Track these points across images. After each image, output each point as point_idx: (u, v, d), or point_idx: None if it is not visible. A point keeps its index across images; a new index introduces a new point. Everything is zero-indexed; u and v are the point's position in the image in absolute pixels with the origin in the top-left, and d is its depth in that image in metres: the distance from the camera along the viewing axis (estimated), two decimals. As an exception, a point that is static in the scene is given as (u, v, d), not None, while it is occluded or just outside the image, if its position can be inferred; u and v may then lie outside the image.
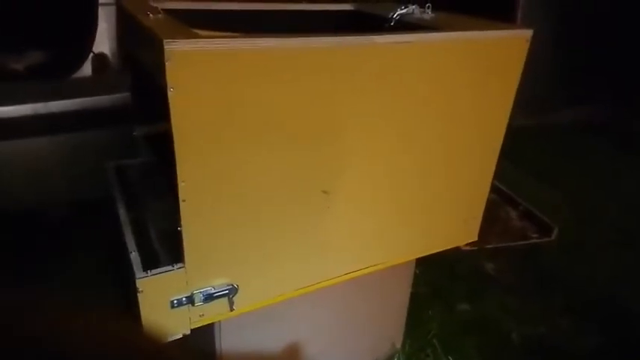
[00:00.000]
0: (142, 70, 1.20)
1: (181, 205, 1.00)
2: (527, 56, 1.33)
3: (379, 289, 1.65)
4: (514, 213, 2.81)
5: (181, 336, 1.13)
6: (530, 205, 2.83)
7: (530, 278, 2.40)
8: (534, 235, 2.64)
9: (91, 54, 2.31)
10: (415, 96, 1.21)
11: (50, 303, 0.48)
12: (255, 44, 0.95)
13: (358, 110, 1.14)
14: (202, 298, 1.11)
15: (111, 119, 2.08)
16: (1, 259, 1.99)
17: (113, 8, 2.27)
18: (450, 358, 1.87)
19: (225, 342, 1.38)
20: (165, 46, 0.87)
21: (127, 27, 1.29)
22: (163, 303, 1.08)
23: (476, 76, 1.28)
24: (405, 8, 1.44)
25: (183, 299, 1.10)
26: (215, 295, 1.12)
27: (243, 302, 1.18)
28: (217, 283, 1.13)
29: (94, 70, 2.35)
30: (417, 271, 1.85)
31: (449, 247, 1.54)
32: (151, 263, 1.10)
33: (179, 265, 1.07)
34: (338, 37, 1.05)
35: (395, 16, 1.44)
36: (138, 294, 1.05)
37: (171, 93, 0.90)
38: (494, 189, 1.56)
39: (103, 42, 2.36)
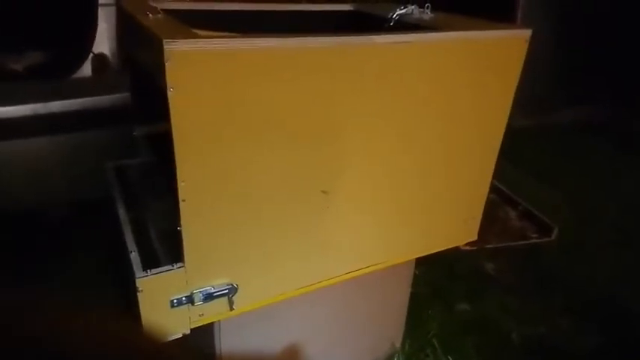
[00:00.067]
0: (141, 70, 1.21)
1: (181, 204, 1.00)
2: (527, 56, 1.33)
3: (379, 289, 1.65)
4: (513, 213, 2.81)
5: (181, 335, 1.14)
6: (529, 205, 2.83)
7: (530, 278, 2.40)
8: (534, 235, 2.64)
9: (91, 54, 2.32)
10: (415, 96, 1.21)
11: (50, 303, 0.48)
12: (255, 44, 0.96)
13: (357, 110, 1.14)
14: (202, 297, 1.11)
15: (111, 119, 2.08)
16: (1, 259, 2.00)
17: (113, 9, 2.27)
18: (449, 357, 1.87)
19: (225, 342, 1.38)
20: (165, 46, 0.87)
21: (127, 27, 1.29)
22: (163, 302, 1.08)
23: (475, 76, 1.29)
24: (404, 8, 1.44)
25: (183, 299, 1.10)
26: (215, 294, 1.13)
27: (243, 302, 1.18)
28: (217, 283, 1.13)
29: (93, 70, 2.35)
30: (417, 271, 1.85)
31: (449, 247, 1.54)
32: (150, 263, 1.10)
33: (179, 264, 1.07)
34: (337, 37, 1.05)
35: (394, 16, 1.44)
36: (138, 293, 1.05)
37: (170, 93, 0.91)
38: (493, 189, 1.56)
39: (103, 42, 2.36)
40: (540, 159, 3.50)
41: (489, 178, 1.49)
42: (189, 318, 1.13)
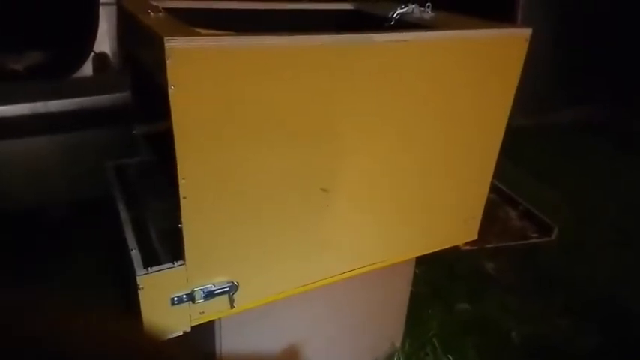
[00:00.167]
0: (142, 69, 1.21)
1: (182, 202, 1.01)
2: (527, 56, 1.33)
3: (379, 288, 1.65)
4: (514, 213, 2.80)
5: (182, 333, 1.14)
6: (529, 205, 2.83)
7: (530, 278, 2.40)
8: (534, 235, 2.64)
9: (92, 53, 2.32)
10: (414, 95, 1.22)
11: (50, 303, 0.48)
12: (255, 42, 0.96)
13: (357, 109, 1.15)
14: (203, 295, 1.11)
15: (111, 119, 2.08)
16: (1, 259, 1.99)
17: (114, 8, 2.27)
18: (449, 357, 1.87)
19: (226, 341, 1.38)
20: (166, 44, 0.87)
21: (128, 26, 1.29)
22: (164, 300, 1.08)
23: (475, 75, 1.29)
24: (404, 7, 1.45)
25: (184, 296, 1.10)
26: (215, 292, 1.13)
27: (243, 299, 1.18)
28: (218, 281, 1.13)
29: (95, 69, 2.35)
30: (417, 271, 1.85)
31: (449, 246, 1.54)
32: (151, 261, 1.10)
33: (179, 262, 1.07)
34: (337, 36, 1.05)
35: (395, 15, 1.44)
36: (138, 291, 1.05)
37: (171, 91, 0.91)
38: (493, 189, 1.56)
39: (104, 41, 2.36)
40: (540, 159, 3.50)
41: (489, 178, 1.50)
42: (190, 315, 1.13)
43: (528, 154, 3.32)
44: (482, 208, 1.54)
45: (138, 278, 1.05)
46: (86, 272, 2.05)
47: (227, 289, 1.14)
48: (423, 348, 1.90)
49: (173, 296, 1.09)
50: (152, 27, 0.98)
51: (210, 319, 1.19)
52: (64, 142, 2.16)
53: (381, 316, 1.75)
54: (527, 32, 1.30)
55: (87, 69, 2.33)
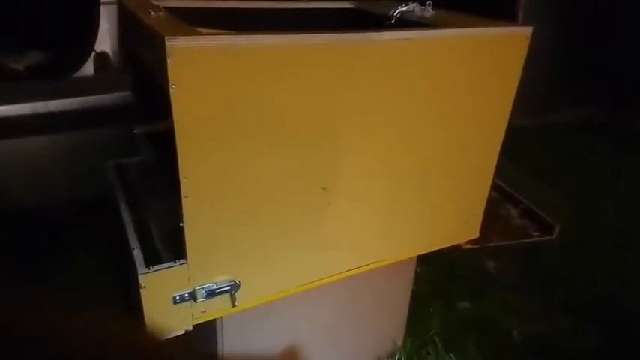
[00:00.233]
0: (142, 68, 1.21)
1: (183, 201, 1.01)
2: (528, 56, 1.33)
3: (380, 287, 1.65)
4: (515, 211, 2.80)
5: (184, 332, 1.14)
6: (530, 204, 2.83)
7: (530, 277, 2.40)
8: (535, 234, 2.64)
9: (93, 53, 2.31)
10: (415, 93, 1.22)
11: (50, 303, 0.48)
12: (256, 41, 0.96)
13: (358, 107, 1.15)
14: (204, 294, 1.11)
15: (112, 118, 2.08)
16: (1, 259, 1.99)
17: (115, 7, 2.27)
18: (450, 355, 1.87)
19: (228, 341, 1.38)
20: (167, 43, 0.88)
21: (128, 25, 1.29)
22: (166, 299, 1.08)
23: (476, 74, 1.29)
24: (405, 6, 1.45)
25: (186, 295, 1.10)
26: (217, 291, 1.13)
27: (245, 298, 1.18)
28: (219, 279, 1.13)
29: (95, 68, 2.34)
30: (418, 270, 1.85)
31: (450, 245, 1.54)
32: (153, 260, 1.10)
33: (181, 261, 1.07)
34: (337, 34, 1.06)
35: (395, 13, 1.45)
36: (140, 290, 1.05)
37: (172, 90, 0.91)
38: (494, 187, 1.56)
39: (105, 41, 2.36)
40: (540, 158, 3.50)
41: (491, 176, 1.50)
42: (192, 314, 1.13)
43: (528, 153, 3.32)
44: (484, 206, 1.54)
45: (140, 277, 1.05)
46: (86, 272, 2.04)
47: (229, 287, 1.14)
48: (425, 347, 1.90)
49: (175, 295, 1.09)
50: (153, 26, 0.99)
51: (212, 317, 1.19)
52: (64, 142, 2.16)
53: (383, 315, 1.75)
54: (528, 30, 1.30)
55: (88, 68, 2.33)
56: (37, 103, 2.04)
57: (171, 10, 1.18)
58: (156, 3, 1.23)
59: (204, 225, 1.06)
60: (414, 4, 1.45)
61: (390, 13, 1.46)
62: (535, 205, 2.82)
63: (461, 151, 1.39)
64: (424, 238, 1.48)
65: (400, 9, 1.45)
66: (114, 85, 2.17)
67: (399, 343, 1.85)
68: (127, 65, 2.04)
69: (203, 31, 1.02)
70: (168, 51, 0.88)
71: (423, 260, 1.70)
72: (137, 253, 1.13)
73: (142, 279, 1.05)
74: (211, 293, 1.12)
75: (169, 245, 1.18)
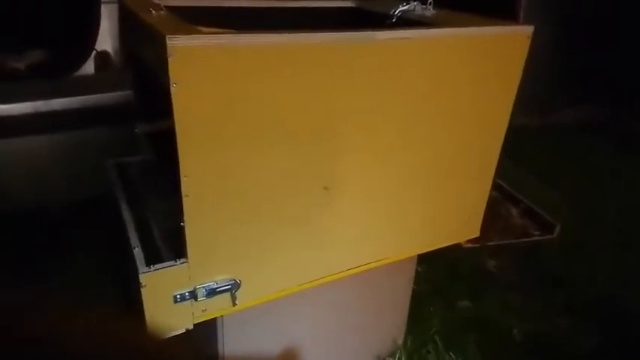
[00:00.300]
0: (143, 67, 1.21)
1: (184, 200, 1.01)
2: (528, 57, 1.33)
3: (381, 286, 1.65)
4: (515, 210, 2.81)
5: (184, 331, 1.14)
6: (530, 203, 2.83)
7: (531, 276, 2.40)
8: (536, 233, 2.64)
9: (94, 52, 2.32)
10: (416, 93, 1.22)
11: (50, 303, 0.48)
12: (257, 40, 0.96)
13: (358, 106, 1.15)
14: (205, 293, 1.11)
15: (112, 117, 2.08)
16: (1, 259, 1.99)
17: (115, 6, 2.27)
18: (451, 354, 1.87)
19: (228, 340, 1.38)
20: (168, 42, 0.88)
21: (129, 24, 1.29)
22: (166, 298, 1.08)
23: (477, 73, 1.29)
24: (406, 5, 1.45)
25: (186, 294, 1.10)
26: (218, 290, 1.13)
27: (245, 297, 1.18)
28: (220, 278, 1.13)
29: (96, 67, 2.35)
30: (419, 269, 1.85)
31: (451, 243, 1.54)
32: (153, 259, 1.10)
33: (182, 260, 1.07)
34: (338, 33, 1.06)
35: (396, 12, 1.45)
36: (141, 289, 1.05)
37: (174, 88, 0.91)
38: (495, 186, 1.56)
39: (106, 40, 2.36)
40: (540, 158, 3.50)
41: (492, 175, 1.50)
42: (193, 313, 1.13)
43: (529, 153, 3.33)
44: (485, 205, 1.54)
45: (141, 276, 1.05)
46: (86, 272, 2.04)
47: (229, 286, 1.14)
48: (425, 345, 1.90)
49: (176, 294, 1.09)
50: (154, 25, 0.99)
51: (213, 316, 1.19)
52: (65, 141, 2.16)
53: (383, 314, 1.75)
54: (529, 30, 1.30)
55: (89, 67, 2.33)
56: (38, 102, 2.05)
57: (172, 9, 1.18)
58: (157, 2, 1.23)
59: (205, 224, 1.06)
60: (415, 3, 1.46)
61: (391, 12, 1.46)
62: (535, 204, 2.82)
63: (462, 151, 1.39)
64: (425, 237, 1.48)
65: (401, 8, 1.45)
66: (115, 84, 2.18)
67: (400, 342, 1.85)
68: (127, 64, 2.04)
69: (204, 29, 1.02)
70: (169, 50, 0.88)
71: (423, 259, 1.70)
72: (138, 252, 1.13)
73: (143, 278, 1.05)
74: (212, 292, 1.12)
75: (170, 244, 1.18)
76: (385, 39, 1.11)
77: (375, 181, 1.28)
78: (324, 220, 1.23)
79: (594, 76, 3.82)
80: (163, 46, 0.88)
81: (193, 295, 1.11)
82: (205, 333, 1.37)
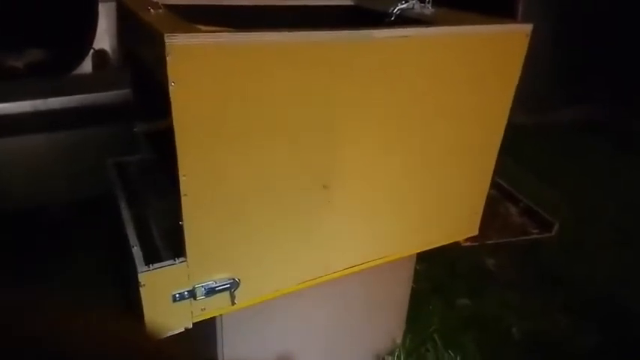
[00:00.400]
0: (142, 66, 1.21)
1: (182, 199, 1.00)
2: (527, 54, 1.33)
3: (380, 285, 1.65)
4: (514, 209, 2.80)
5: (183, 330, 1.13)
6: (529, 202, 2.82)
7: (530, 274, 2.40)
8: (535, 231, 2.63)
9: (92, 50, 2.31)
10: (414, 91, 1.22)
11: (50, 303, 0.48)
12: (255, 39, 0.96)
13: (357, 105, 1.14)
14: (204, 292, 1.11)
15: (111, 116, 2.08)
16: (1, 259, 1.99)
17: (113, 5, 2.27)
18: (450, 352, 1.87)
19: (227, 339, 1.38)
20: (166, 41, 0.87)
21: (127, 23, 1.29)
22: (165, 297, 1.08)
23: (476, 71, 1.29)
24: (405, 3, 1.45)
25: (185, 293, 1.10)
26: (217, 289, 1.13)
27: (244, 296, 1.18)
28: (219, 277, 1.13)
29: (94, 66, 2.35)
30: (418, 267, 1.85)
31: (450, 242, 1.54)
32: (152, 258, 1.10)
33: (181, 259, 1.07)
34: (336, 32, 1.05)
35: (395, 11, 1.45)
36: (140, 288, 1.05)
37: (172, 87, 0.91)
38: (494, 184, 1.56)
39: (103, 38, 2.36)
40: (539, 157, 3.50)
41: (490, 173, 1.50)
42: (192, 312, 1.13)
43: (528, 152, 3.33)
44: (483, 203, 1.54)
45: (139, 275, 1.04)
46: (86, 272, 2.04)
47: (228, 285, 1.14)
48: (424, 344, 1.90)
49: (175, 293, 1.09)
50: (152, 24, 0.98)
51: (212, 315, 1.19)
52: (64, 140, 2.16)
53: (382, 313, 1.75)
54: (528, 28, 1.30)
55: (86, 66, 2.33)
56: (37, 100, 2.04)
57: (170, 8, 1.18)
58: (155, 0, 1.23)
59: (204, 223, 1.06)
60: (414, 2, 1.45)
61: (390, 11, 1.46)
62: (534, 203, 2.81)
63: (461, 149, 1.39)
64: (424, 236, 1.48)
65: (400, 6, 1.45)
66: (113, 82, 2.18)
67: (399, 340, 1.85)
68: (126, 63, 2.04)
69: (202, 28, 1.02)
70: (167, 48, 0.88)
71: (422, 258, 1.70)
72: (137, 251, 1.13)
73: (142, 277, 1.05)
74: (211, 291, 1.12)
75: (169, 243, 1.18)
76: (383, 37, 1.11)
77: (373, 179, 1.27)
78: (323, 218, 1.23)
79: (593, 73, 3.82)
80: (162, 45, 0.88)
81: (192, 294, 1.11)
82: (204, 332, 1.37)
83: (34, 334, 0.43)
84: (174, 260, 1.07)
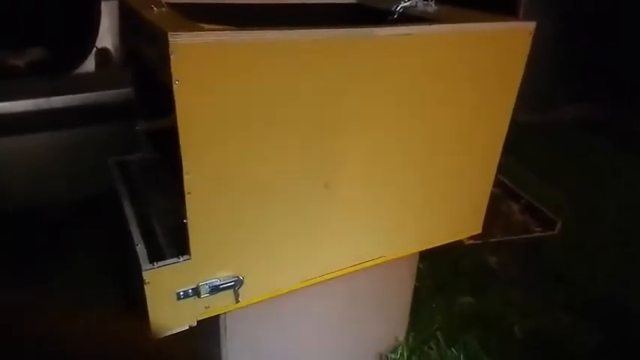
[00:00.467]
0: (144, 65, 1.20)
1: (186, 197, 1.00)
2: (529, 52, 1.33)
3: (383, 283, 1.65)
4: (517, 207, 2.80)
5: (187, 327, 1.13)
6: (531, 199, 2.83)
7: (532, 272, 2.40)
8: (537, 229, 2.63)
9: (94, 49, 2.31)
10: (417, 89, 1.22)
11: (50, 303, 0.48)
12: (258, 37, 0.96)
13: (359, 103, 1.15)
14: (208, 289, 1.11)
15: (113, 115, 2.08)
16: (1, 259, 1.99)
17: (116, 3, 2.26)
18: (453, 350, 1.87)
19: (231, 336, 1.38)
20: (170, 39, 0.87)
21: (130, 21, 1.29)
22: (169, 295, 1.08)
23: (479, 69, 1.29)
24: (408, 1, 1.45)
25: (189, 291, 1.10)
26: (221, 286, 1.13)
27: (248, 294, 1.18)
28: (223, 275, 1.13)
29: (97, 65, 2.34)
30: (421, 266, 1.85)
31: (453, 240, 1.54)
32: (156, 256, 1.10)
33: (185, 257, 1.07)
34: (339, 29, 1.05)
35: (398, 8, 1.44)
36: (144, 286, 1.05)
37: (176, 86, 0.91)
38: (497, 183, 1.56)
39: (106, 37, 2.36)
40: (541, 156, 3.50)
41: (493, 172, 1.50)
42: (196, 310, 1.13)
43: (529, 150, 3.33)
44: (487, 201, 1.54)
45: (144, 273, 1.04)
46: (86, 272, 2.04)
47: (232, 283, 1.14)
48: (427, 342, 1.90)
49: (179, 291, 1.09)
50: (155, 22, 0.98)
51: (216, 313, 1.19)
52: (66, 139, 2.16)
53: (385, 311, 1.75)
54: (531, 25, 1.30)
55: (89, 65, 2.32)
56: (39, 99, 2.04)
57: (173, 6, 1.18)
58: (158, -1, 1.23)
59: (208, 221, 1.06)
60: (417, -1, 1.45)
61: (393, 8, 1.46)
62: (536, 202, 2.81)
63: (464, 147, 1.39)
64: (427, 234, 1.48)
65: (402, 4, 1.45)
66: (115, 81, 2.17)
67: (402, 338, 1.85)
68: (128, 61, 2.04)
69: (206, 26, 1.02)
70: (171, 47, 0.88)
71: (425, 256, 1.70)
72: (141, 249, 1.13)
73: (146, 275, 1.05)
74: (215, 289, 1.13)
75: (173, 241, 1.18)
76: (386, 35, 1.11)
77: (376, 178, 1.27)
78: (327, 217, 1.23)
79: (595, 72, 3.82)
80: (165, 43, 0.88)
81: (196, 291, 1.11)
82: (207, 330, 1.37)
83: (34, 333, 0.43)
84: (179, 258, 1.07)
